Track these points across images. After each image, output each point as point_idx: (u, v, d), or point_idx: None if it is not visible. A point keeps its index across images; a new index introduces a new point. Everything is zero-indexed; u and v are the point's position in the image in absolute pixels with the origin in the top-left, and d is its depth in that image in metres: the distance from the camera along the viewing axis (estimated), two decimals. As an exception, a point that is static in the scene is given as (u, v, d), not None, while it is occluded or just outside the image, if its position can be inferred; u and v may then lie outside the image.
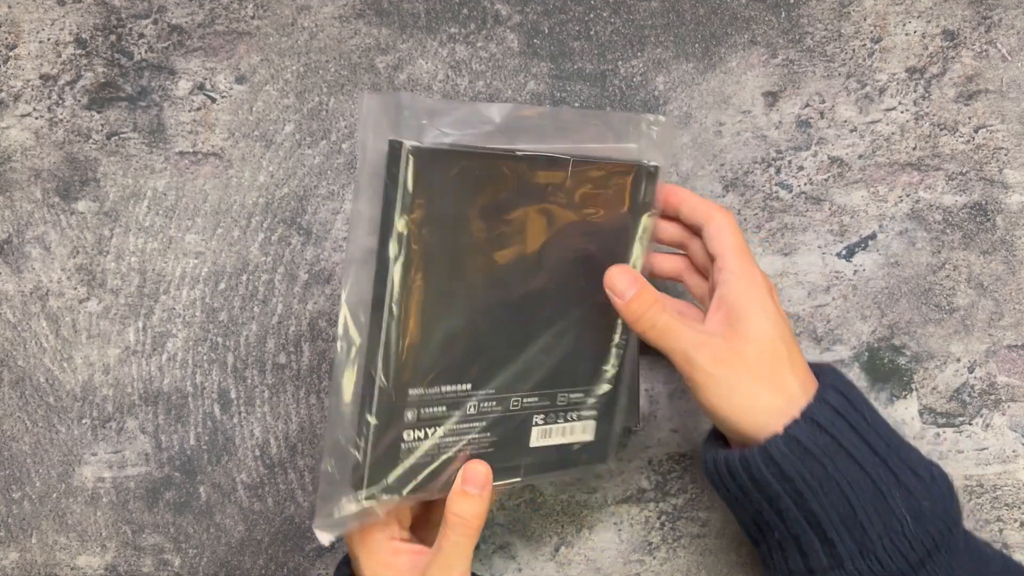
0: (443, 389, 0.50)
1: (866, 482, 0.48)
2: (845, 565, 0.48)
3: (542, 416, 0.54)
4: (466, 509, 0.49)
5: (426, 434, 0.50)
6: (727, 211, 0.53)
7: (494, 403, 0.52)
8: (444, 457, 0.51)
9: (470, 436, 0.51)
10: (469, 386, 0.51)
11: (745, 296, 0.50)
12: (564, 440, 0.55)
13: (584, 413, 0.56)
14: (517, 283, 0.51)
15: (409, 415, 0.50)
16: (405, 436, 0.50)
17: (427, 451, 0.50)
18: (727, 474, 0.50)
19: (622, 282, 0.51)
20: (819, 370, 0.52)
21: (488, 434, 0.52)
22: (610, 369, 0.55)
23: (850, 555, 0.47)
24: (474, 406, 0.51)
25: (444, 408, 0.51)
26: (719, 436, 0.54)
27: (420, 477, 0.50)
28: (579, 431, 0.56)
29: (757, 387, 0.49)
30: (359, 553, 0.51)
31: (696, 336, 0.50)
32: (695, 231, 0.54)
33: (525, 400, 0.53)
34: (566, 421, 0.55)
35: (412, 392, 0.49)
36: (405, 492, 0.50)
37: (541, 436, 0.54)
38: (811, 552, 0.49)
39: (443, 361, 0.50)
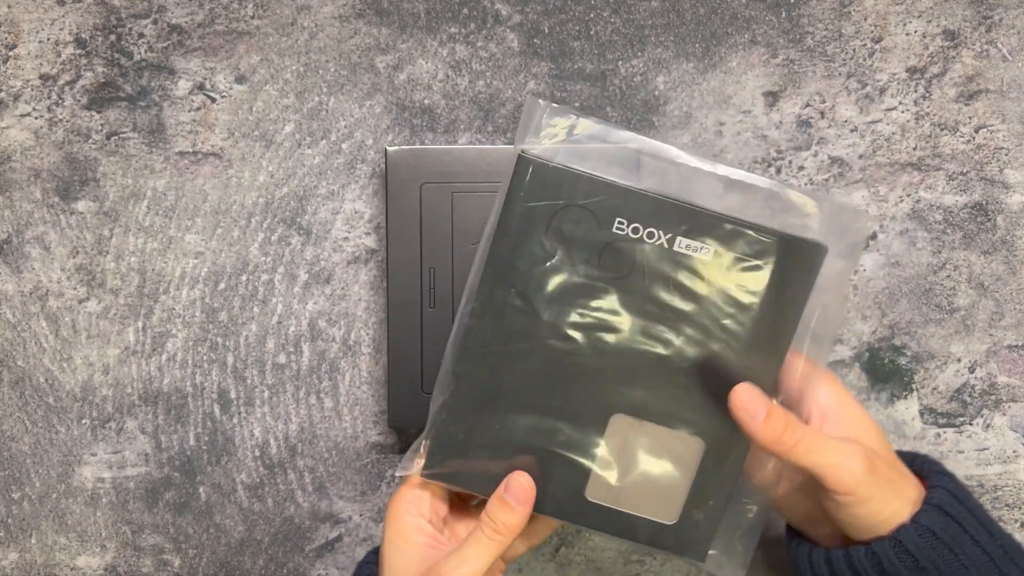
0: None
1: (989, 565, 0.48)
2: None
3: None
4: (500, 516, 0.50)
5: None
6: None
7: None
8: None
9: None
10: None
11: (840, 398, 0.50)
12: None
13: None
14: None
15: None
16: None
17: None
18: (847, 570, 0.49)
19: (753, 400, 0.49)
20: (911, 459, 0.52)
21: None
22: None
23: None
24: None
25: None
26: (798, 533, 0.53)
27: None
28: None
29: (891, 491, 0.48)
30: (388, 516, 0.52)
31: (844, 447, 0.48)
32: None
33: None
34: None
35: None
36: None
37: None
38: None
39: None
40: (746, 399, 0.48)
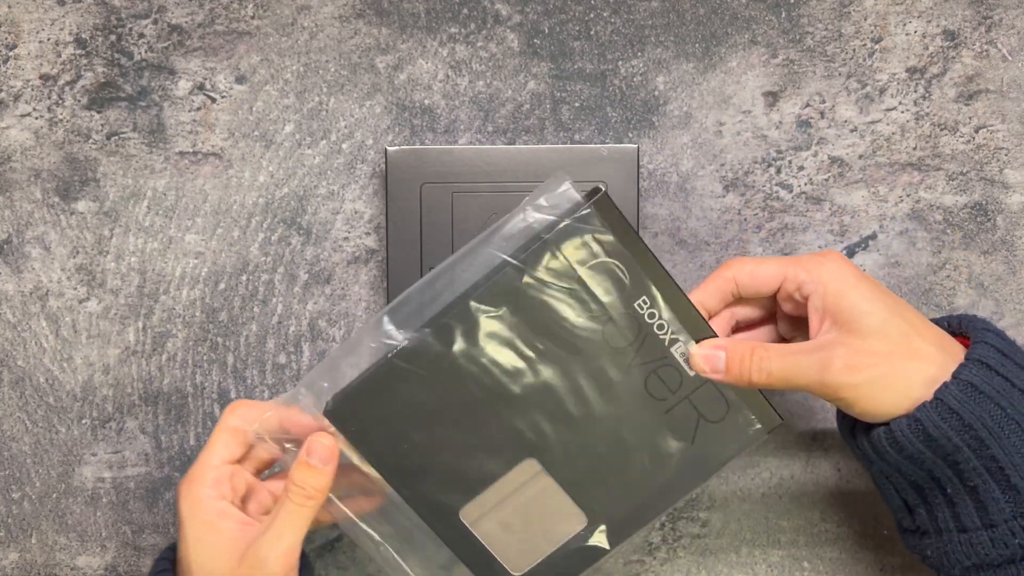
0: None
1: None
2: None
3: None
4: (308, 480, 0.48)
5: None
6: (734, 259, 0.53)
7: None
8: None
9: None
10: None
11: (838, 291, 0.49)
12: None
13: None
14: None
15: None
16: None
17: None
18: (891, 447, 0.48)
19: (707, 355, 0.50)
20: (959, 321, 0.51)
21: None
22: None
23: None
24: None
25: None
26: (849, 420, 0.52)
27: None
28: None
29: (903, 369, 0.47)
30: (183, 510, 0.49)
31: (818, 357, 0.48)
32: (730, 304, 0.54)
33: None
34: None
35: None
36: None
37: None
38: (991, 503, 0.46)
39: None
40: (701, 361, 0.50)
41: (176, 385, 0.63)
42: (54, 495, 0.63)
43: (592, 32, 0.62)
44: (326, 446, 0.49)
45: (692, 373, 0.51)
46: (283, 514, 0.48)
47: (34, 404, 0.63)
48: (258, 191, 0.63)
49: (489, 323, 0.50)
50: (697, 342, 0.50)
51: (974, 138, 0.63)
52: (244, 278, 0.63)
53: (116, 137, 0.63)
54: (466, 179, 0.60)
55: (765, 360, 0.49)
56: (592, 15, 0.62)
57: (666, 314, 0.50)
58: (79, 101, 0.62)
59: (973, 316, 0.51)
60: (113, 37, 0.62)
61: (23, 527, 0.64)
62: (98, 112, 0.62)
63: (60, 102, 0.62)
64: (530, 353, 0.50)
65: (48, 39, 0.62)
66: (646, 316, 0.50)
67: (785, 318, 0.54)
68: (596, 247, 0.49)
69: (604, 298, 0.50)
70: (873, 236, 0.63)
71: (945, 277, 0.63)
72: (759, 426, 0.52)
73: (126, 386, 0.63)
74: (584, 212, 0.49)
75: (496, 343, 0.50)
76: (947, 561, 0.49)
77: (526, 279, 0.49)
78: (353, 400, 0.50)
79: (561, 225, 0.49)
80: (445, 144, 0.62)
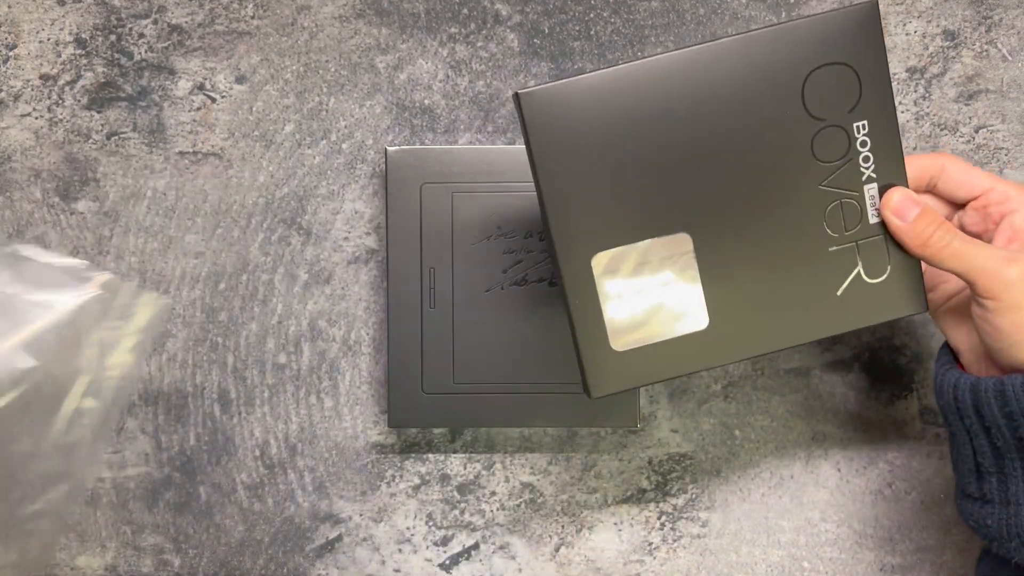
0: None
1: None
2: None
3: None
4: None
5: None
6: (951, 154, 0.51)
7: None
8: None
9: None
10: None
11: None
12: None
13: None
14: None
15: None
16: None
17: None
18: (995, 399, 0.47)
19: (904, 201, 0.49)
20: None
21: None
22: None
23: None
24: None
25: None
26: (951, 362, 0.52)
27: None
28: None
29: None
30: None
31: (1007, 254, 0.47)
32: (922, 190, 0.53)
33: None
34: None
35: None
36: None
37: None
38: None
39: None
40: (897, 201, 0.48)
41: (176, 385, 0.63)
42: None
43: (592, 32, 0.62)
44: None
45: (874, 220, 0.49)
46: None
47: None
48: (258, 191, 0.63)
49: (709, 80, 0.47)
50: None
51: (974, 138, 0.63)
52: (244, 278, 0.63)
53: (116, 137, 0.63)
54: (466, 179, 0.60)
55: (951, 234, 0.48)
56: (592, 15, 0.62)
57: (878, 149, 0.49)
58: (79, 101, 0.62)
59: None
60: (113, 37, 0.62)
61: (23, 527, 0.64)
62: (98, 112, 0.62)
63: (60, 102, 0.62)
64: (736, 126, 0.48)
65: (48, 39, 0.62)
66: (859, 141, 0.49)
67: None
68: (849, 47, 0.48)
69: (831, 100, 0.48)
70: (873, 236, 0.63)
71: (945, 277, 0.63)
72: (905, 304, 0.50)
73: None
74: (860, 5, 0.48)
75: (707, 108, 0.48)
76: (1007, 533, 0.48)
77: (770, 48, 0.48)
78: (549, 96, 0.47)
79: (834, 11, 0.48)
80: (445, 144, 0.62)
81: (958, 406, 0.49)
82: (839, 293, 0.49)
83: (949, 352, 0.52)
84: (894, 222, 0.48)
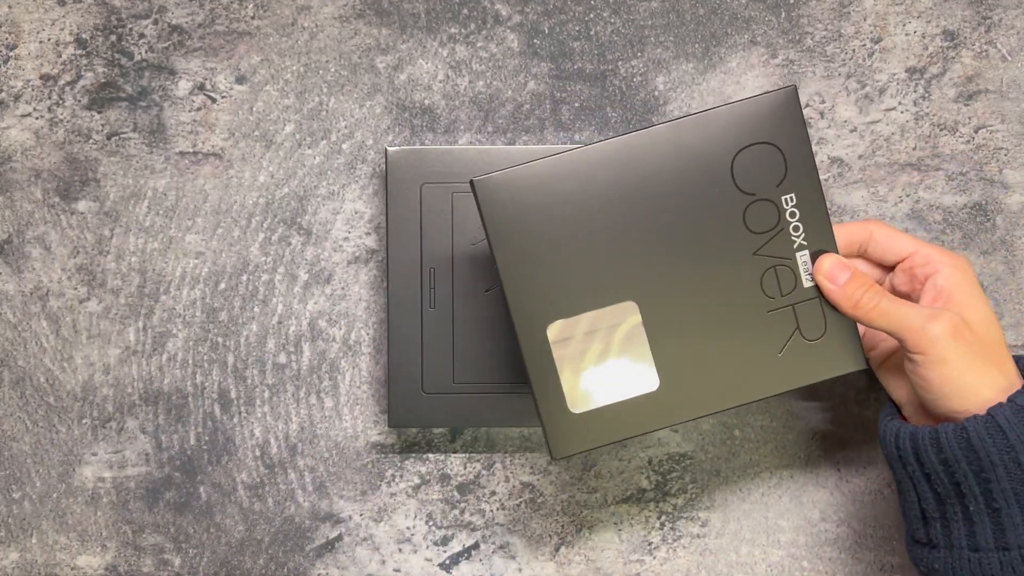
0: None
1: None
2: None
3: None
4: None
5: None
6: (877, 220, 0.55)
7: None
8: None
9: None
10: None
11: (961, 281, 0.52)
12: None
13: None
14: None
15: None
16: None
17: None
18: (931, 447, 0.50)
19: (834, 267, 0.52)
20: (1018, 360, 0.53)
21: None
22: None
23: None
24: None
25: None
26: (895, 413, 0.54)
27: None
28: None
29: (985, 365, 0.49)
30: None
31: (930, 312, 0.50)
32: (853, 255, 0.56)
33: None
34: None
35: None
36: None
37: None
38: (1010, 527, 0.48)
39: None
40: (828, 267, 0.52)
41: (176, 385, 0.63)
42: (55, 495, 0.64)
43: (592, 32, 0.62)
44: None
45: (808, 284, 0.52)
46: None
47: (34, 404, 0.63)
48: (258, 191, 0.63)
49: (644, 158, 0.52)
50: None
51: (974, 138, 0.63)
52: (244, 278, 0.63)
53: (116, 137, 0.63)
54: (466, 179, 0.60)
55: (879, 295, 0.51)
56: (592, 15, 0.62)
57: (806, 219, 0.52)
58: (79, 101, 0.62)
59: None
60: (113, 37, 0.62)
61: (24, 527, 0.64)
62: (98, 112, 0.62)
63: (60, 102, 0.62)
64: (673, 203, 0.52)
65: (48, 39, 0.62)
66: (788, 212, 0.52)
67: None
68: (771, 127, 0.52)
69: (759, 176, 0.52)
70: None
71: (945, 277, 0.63)
72: (844, 362, 0.53)
73: (126, 386, 0.63)
74: (781, 90, 0.52)
75: (646, 188, 0.52)
76: None
77: (695, 127, 0.52)
78: (502, 181, 0.51)
79: (756, 96, 0.52)
80: (445, 144, 0.62)
81: (900, 455, 0.51)
82: (780, 354, 0.53)
83: (892, 405, 0.55)
84: (826, 286, 0.52)
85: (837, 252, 0.53)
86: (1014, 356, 0.53)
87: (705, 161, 0.52)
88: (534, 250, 0.52)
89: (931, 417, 0.53)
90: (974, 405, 0.49)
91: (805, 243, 0.52)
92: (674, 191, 0.52)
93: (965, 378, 0.49)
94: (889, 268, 0.55)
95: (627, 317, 0.52)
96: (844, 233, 0.55)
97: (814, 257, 0.52)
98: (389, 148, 0.60)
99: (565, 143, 0.62)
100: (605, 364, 0.52)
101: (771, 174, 0.52)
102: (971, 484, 0.49)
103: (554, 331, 0.52)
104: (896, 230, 0.55)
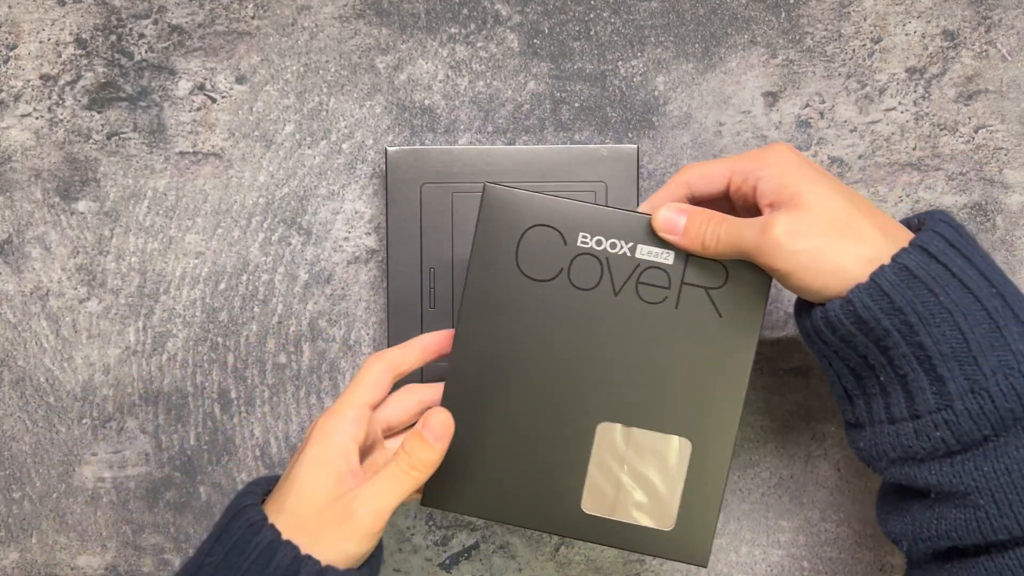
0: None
1: (981, 313, 0.45)
2: (954, 405, 0.44)
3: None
4: (419, 453, 0.49)
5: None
6: (685, 166, 0.53)
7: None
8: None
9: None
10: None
11: (781, 174, 0.49)
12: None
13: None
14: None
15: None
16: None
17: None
18: (826, 327, 0.48)
19: (670, 217, 0.50)
20: (923, 215, 0.50)
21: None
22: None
23: (960, 393, 0.44)
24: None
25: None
26: (806, 304, 0.52)
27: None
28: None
29: (841, 245, 0.46)
30: (315, 433, 0.50)
31: (761, 222, 0.48)
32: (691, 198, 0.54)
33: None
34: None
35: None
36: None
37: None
38: (918, 393, 0.46)
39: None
40: (664, 220, 0.50)
41: (176, 385, 0.63)
42: (54, 495, 0.64)
43: (592, 32, 0.62)
44: (443, 422, 0.49)
45: (671, 260, 0.51)
46: (386, 477, 0.48)
47: (34, 404, 0.63)
48: (258, 191, 0.63)
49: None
50: (648, 244, 0.51)
51: (973, 138, 0.63)
52: (244, 278, 0.63)
53: (116, 137, 0.63)
54: (466, 179, 0.60)
55: (718, 226, 0.49)
56: (592, 15, 0.62)
57: (611, 233, 0.51)
58: (79, 101, 0.62)
59: (941, 211, 0.50)
60: (113, 37, 0.62)
61: (24, 526, 0.64)
62: (98, 112, 0.62)
63: (60, 102, 0.62)
64: (553, 331, 0.52)
65: (48, 39, 0.62)
66: (594, 245, 0.51)
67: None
68: (528, 214, 0.52)
69: (551, 254, 0.51)
70: (873, 236, 0.63)
71: (945, 277, 0.63)
72: (761, 278, 0.51)
73: (126, 386, 0.63)
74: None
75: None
76: (875, 454, 0.48)
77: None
78: (509, 198, 0.52)
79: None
80: (445, 144, 0.62)
81: (808, 337, 0.50)
82: (721, 316, 0.51)
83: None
84: (671, 239, 0.50)
85: (741, 401, 0.51)
86: (906, 219, 0.50)
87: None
88: (508, 281, 0.52)
89: None
90: (845, 279, 0.46)
91: (633, 242, 0.51)
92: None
93: (824, 266, 0.46)
94: (725, 199, 0.52)
95: (613, 433, 0.52)
96: (663, 198, 0.52)
97: (649, 240, 0.51)
98: (389, 148, 0.60)
99: (565, 143, 0.62)
100: (646, 475, 0.52)
101: (553, 242, 0.52)
102: (875, 354, 0.47)
103: (592, 505, 0.52)
104: (706, 162, 0.52)
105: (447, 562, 0.64)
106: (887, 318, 0.45)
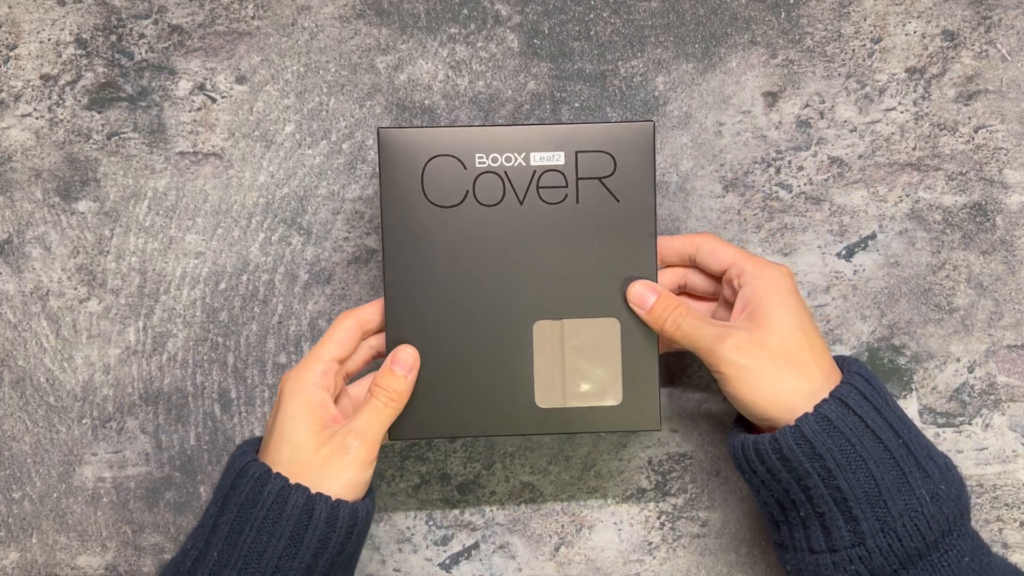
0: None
1: (890, 462, 0.50)
2: (867, 542, 0.49)
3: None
4: (392, 384, 0.54)
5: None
6: (709, 233, 0.58)
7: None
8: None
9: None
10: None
11: (766, 292, 0.54)
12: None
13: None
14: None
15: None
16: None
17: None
18: (756, 457, 0.52)
19: (643, 292, 0.55)
20: (842, 361, 0.55)
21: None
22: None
23: (872, 532, 0.49)
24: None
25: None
26: (744, 423, 0.56)
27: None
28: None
29: (782, 374, 0.52)
30: (288, 389, 0.54)
31: (719, 331, 0.53)
32: (686, 265, 0.59)
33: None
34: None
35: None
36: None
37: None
38: (835, 529, 0.50)
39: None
40: (636, 293, 0.55)
41: (176, 385, 0.63)
42: (55, 495, 0.64)
43: (592, 32, 0.62)
44: (410, 354, 0.55)
45: (563, 160, 0.56)
46: (367, 411, 0.53)
47: (34, 404, 0.63)
48: (258, 191, 0.63)
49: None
50: (539, 149, 0.56)
51: (973, 138, 0.63)
52: (244, 278, 0.63)
53: (116, 137, 0.63)
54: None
55: (681, 316, 0.54)
56: (592, 15, 0.62)
57: (503, 148, 0.56)
58: (79, 101, 0.62)
59: (853, 359, 0.56)
60: (113, 37, 0.62)
61: (24, 526, 0.64)
62: (98, 112, 0.62)
63: (61, 102, 0.62)
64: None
65: (49, 39, 0.62)
66: (490, 163, 0.56)
67: (725, 304, 0.58)
68: (424, 148, 0.56)
69: (454, 181, 0.56)
70: (872, 236, 0.63)
71: (944, 277, 0.63)
72: (646, 158, 0.55)
73: (126, 386, 0.63)
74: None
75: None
76: (802, 574, 0.53)
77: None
78: (407, 136, 0.56)
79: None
80: (445, 144, 0.62)
81: (739, 464, 0.54)
82: (619, 201, 0.56)
83: (742, 418, 0.57)
84: (638, 311, 0.55)
85: (654, 278, 0.56)
86: (837, 357, 0.55)
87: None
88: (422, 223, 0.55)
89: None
90: (782, 413, 0.51)
91: (524, 149, 0.55)
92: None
93: (762, 389, 0.52)
94: (719, 278, 0.58)
95: (551, 328, 0.56)
96: (676, 243, 0.58)
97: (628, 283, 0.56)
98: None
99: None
100: (589, 357, 0.57)
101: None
102: (796, 491, 0.52)
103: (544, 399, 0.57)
104: (723, 242, 0.57)
105: (447, 562, 0.64)
106: (808, 461, 0.50)
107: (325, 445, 0.52)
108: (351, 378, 0.58)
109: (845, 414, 0.51)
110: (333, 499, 0.51)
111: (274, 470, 0.51)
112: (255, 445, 0.55)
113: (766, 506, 0.55)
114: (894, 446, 0.51)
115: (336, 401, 0.55)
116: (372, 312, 0.56)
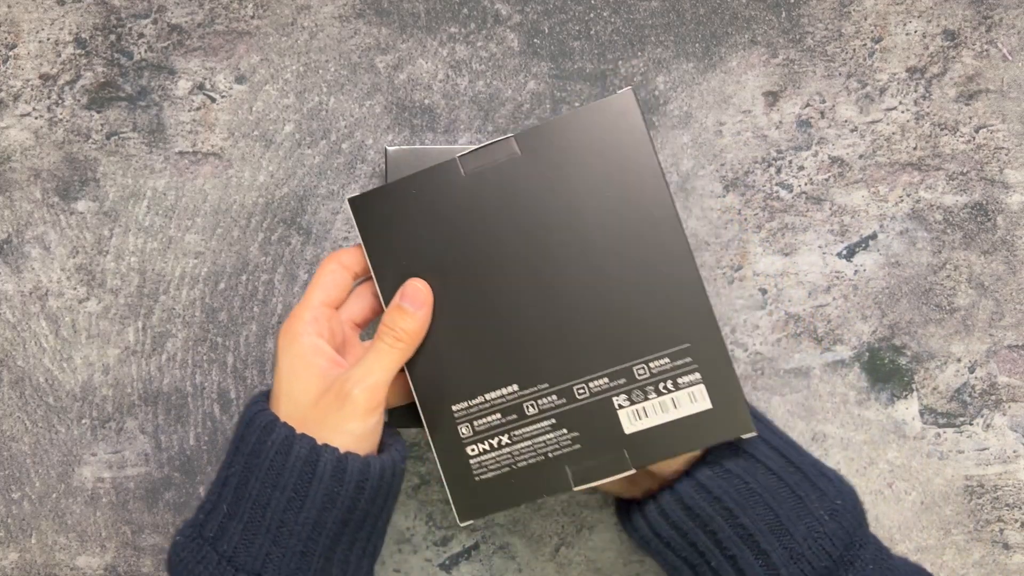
0: (487, 396, 0.51)
1: (785, 491, 0.51)
2: (780, 572, 0.49)
3: (624, 397, 0.51)
4: (400, 323, 0.50)
5: (491, 446, 0.51)
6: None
7: (554, 397, 0.51)
8: (523, 464, 0.51)
9: (543, 438, 0.51)
10: (516, 387, 0.51)
11: None
12: (668, 418, 0.51)
13: (681, 380, 0.50)
14: (532, 264, 0.51)
15: (463, 430, 0.51)
16: (469, 452, 0.51)
17: (500, 462, 0.51)
18: (660, 517, 0.52)
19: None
20: None
21: (564, 431, 0.51)
22: (689, 323, 0.50)
23: (783, 561, 0.49)
24: (532, 405, 0.51)
25: (499, 416, 0.51)
26: (623, 503, 0.56)
27: (506, 487, 0.51)
28: (686, 402, 0.51)
29: None
30: (281, 344, 0.50)
31: None
32: None
33: (592, 384, 0.51)
34: (659, 395, 0.51)
35: (456, 408, 0.51)
36: (497, 506, 0.51)
37: (633, 420, 0.51)
38: (748, 568, 0.50)
39: (477, 368, 0.50)
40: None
41: (176, 385, 0.63)
42: (54, 495, 0.63)
43: (592, 32, 0.62)
44: (420, 290, 0.51)
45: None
46: (373, 353, 0.49)
47: (34, 404, 0.63)
48: (258, 191, 0.63)
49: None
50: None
51: (974, 138, 0.63)
52: (244, 278, 0.63)
53: (116, 137, 0.63)
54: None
55: None
56: (592, 15, 0.62)
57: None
58: (79, 101, 0.62)
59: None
60: (113, 37, 0.62)
61: (23, 527, 0.64)
62: (98, 112, 0.62)
63: (60, 102, 0.62)
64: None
65: (48, 39, 0.62)
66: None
67: None
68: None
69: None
70: (873, 236, 0.63)
71: (945, 277, 0.63)
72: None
73: (126, 386, 0.63)
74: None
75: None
76: None
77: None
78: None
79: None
80: (445, 144, 0.62)
81: (642, 537, 0.54)
82: None
83: (619, 501, 0.56)
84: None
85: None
86: None
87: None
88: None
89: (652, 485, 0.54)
90: (672, 471, 0.52)
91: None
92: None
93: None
94: None
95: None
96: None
97: None
98: (389, 148, 0.60)
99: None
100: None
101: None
102: (703, 540, 0.51)
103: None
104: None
105: (447, 562, 0.64)
106: (709, 506, 0.50)
107: (326, 394, 0.48)
108: (361, 327, 0.55)
109: (735, 456, 0.51)
110: (341, 451, 0.47)
111: (281, 420, 0.48)
112: (266, 396, 0.52)
113: (676, 572, 0.53)
114: (786, 473, 0.51)
115: (342, 350, 0.52)
116: (358, 253, 0.53)
